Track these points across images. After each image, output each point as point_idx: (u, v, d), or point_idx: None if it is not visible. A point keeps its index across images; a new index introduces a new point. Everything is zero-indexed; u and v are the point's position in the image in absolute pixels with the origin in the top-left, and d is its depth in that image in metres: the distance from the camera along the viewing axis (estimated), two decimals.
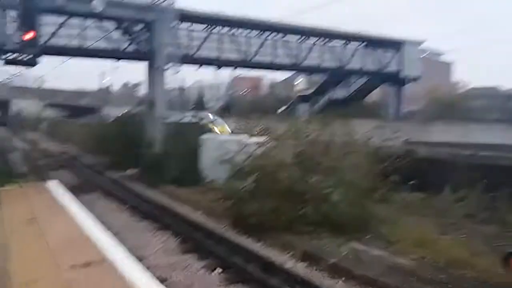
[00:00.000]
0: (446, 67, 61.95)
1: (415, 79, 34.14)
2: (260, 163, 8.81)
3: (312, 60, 30.51)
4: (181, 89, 47.41)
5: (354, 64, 31.83)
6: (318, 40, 30.64)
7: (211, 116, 20.28)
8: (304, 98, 39.55)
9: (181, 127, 15.67)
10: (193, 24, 25.44)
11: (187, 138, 14.09)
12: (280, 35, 29.57)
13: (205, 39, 25.92)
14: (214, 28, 26.48)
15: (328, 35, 30.16)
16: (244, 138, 11.88)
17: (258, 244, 7.70)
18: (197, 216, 9.64)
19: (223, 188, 9.26)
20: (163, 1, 16.68)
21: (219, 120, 19.73)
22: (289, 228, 7.90)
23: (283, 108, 41.36)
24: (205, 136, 13.23)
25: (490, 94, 47.33)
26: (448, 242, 6.96)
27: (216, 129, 17.16)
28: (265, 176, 8.51)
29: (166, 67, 16.98)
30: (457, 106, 38.28)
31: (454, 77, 61.03)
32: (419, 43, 34.47)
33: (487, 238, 7.09)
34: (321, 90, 38.06)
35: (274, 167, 8.57)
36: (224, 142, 11.81)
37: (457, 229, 7.66)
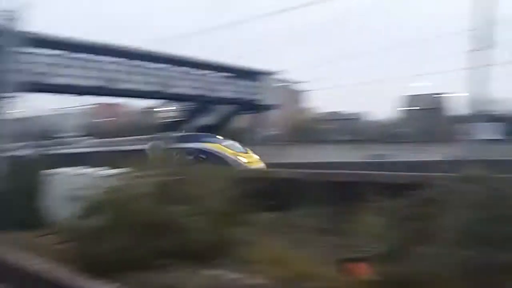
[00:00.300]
0: (302, 94, 68.96)
1: (273, 106, 37.21)
2: (114, 197, 8.16)
3: (179, 88, 30.75)
4: (33, 119, 42.40)
5: (220, 93, 33.18)
6: (183, 68, 31.14)
7: (224, 141, 16.90)
8: (171, 126, 39.23)
9: (24, 161, 13.71)
10: (53, 50, 23.26)
11: (31, 173, 12.33)
12: (146, 62, 29.16)
13: (62, 65, 23.83)
14: (74, 53, 24.70)
15: (192, 64, 30.92)
16: (98, 170, 10.96)
17: (111, 286, 6.99)
18: (38, 263, 8.34)
19: (68, 228, 8.27)
20: (8, 24, 14.65)
21: (237, 145, 16.25)
22: (148, 263, 7.41)
23: (148, 136, 40.10)
24: (51, 171, 11.79)
25: (338, 118, 54.24)
26: (299, 256, 7.39)
27: (243, 159, 13.79)
28: (119, 210, 7.90)
29: (9, 95, 14.86)
30: (311, 129, 42.65)
31: (309, 103, 68.05)
32: (276, 73, 37.83)
33: (332, 248, 7.77)
34: (188, 117, 38.43)
35: (129, 200, 8.03)
36: (74, 176, 10.72)
37: (307, 242, 8.24)
